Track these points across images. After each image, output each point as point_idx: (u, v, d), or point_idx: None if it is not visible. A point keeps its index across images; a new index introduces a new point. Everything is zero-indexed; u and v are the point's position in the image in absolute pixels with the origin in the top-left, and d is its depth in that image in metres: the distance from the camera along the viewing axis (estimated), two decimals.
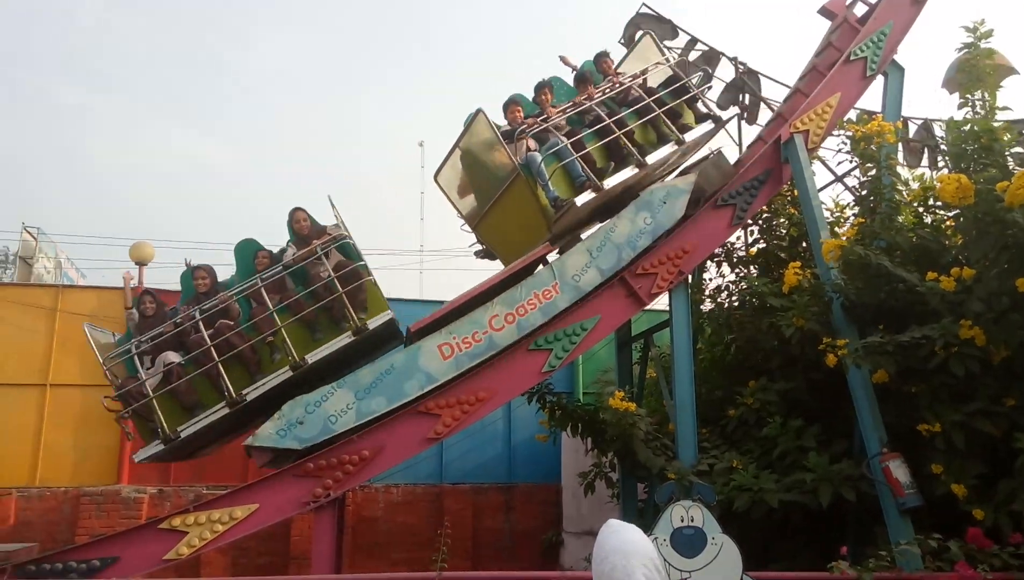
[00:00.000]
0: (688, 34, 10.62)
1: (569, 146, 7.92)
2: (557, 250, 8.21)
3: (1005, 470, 6.09)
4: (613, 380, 10.55)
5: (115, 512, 11.83)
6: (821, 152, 9.31)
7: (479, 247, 9.39)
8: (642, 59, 9.31)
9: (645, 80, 8.86)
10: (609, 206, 8.38)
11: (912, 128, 10.30)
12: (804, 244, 9.11)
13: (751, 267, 9.65)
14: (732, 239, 9.54)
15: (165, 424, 6.79)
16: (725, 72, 10.79)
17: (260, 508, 6.61)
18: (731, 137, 11.01)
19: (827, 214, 8.90)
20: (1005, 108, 7.87)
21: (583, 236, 8.45)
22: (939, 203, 7.86)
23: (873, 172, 7.97)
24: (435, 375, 7.11)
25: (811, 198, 8.07)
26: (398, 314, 7.61)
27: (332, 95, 58.82)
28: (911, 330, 6.33)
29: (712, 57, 10.65)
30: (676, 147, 8.63)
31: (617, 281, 7.83)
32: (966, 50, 8.12)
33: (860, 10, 9.76)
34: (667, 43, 10.80)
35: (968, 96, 7.92)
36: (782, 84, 10.36)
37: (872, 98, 9.45)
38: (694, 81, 8.92)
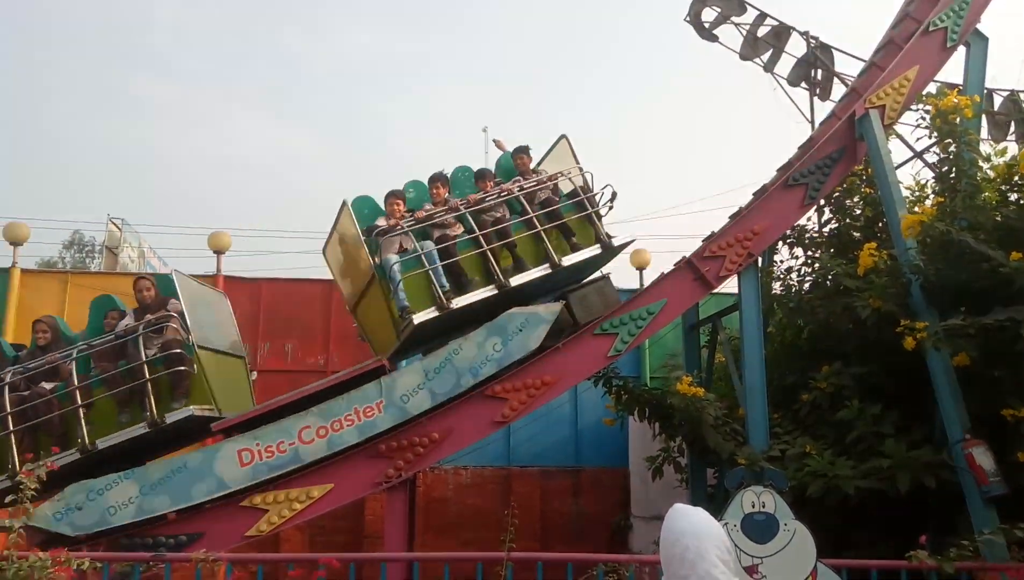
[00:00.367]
0: (756, 8, 10.37)
1: (435, 252, 7.25)
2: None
3: None
4: (681, 364, 10.45)
5: None
6: (899, 128, 8.99)
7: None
8: (558, 162, 8.39)
9: (556, 185, 8.07)
10: (479, 318, 7.47)
11: (997, 100, 9.84)
12: (880, 224, 8.83)
13: (823, 249, 9.41)
14: (803, 220, 9.30)
15: None
16: (796, 47, 10.51)
17: (335, 488, 6.82)
18: (801, 117, 10.71)
19: (905, 193, 8.59)
20: None
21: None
22: None
23: (953, 148, 7.67)
24: (227, 482, 6.64)
25: (887, 176, 7.84)
26: None
27: (403, 87, 59.83)
28: (995, 312, 6.18)
29: (782, 32, 10.38)
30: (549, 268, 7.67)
31: (684, 264, 7.66)
32: None
33: None
34: (735, 19, 10.56)
35: None
36: (857, 58, 10.05)
37: (954, 70, 9.08)
38: (599, 199, 8.05)
